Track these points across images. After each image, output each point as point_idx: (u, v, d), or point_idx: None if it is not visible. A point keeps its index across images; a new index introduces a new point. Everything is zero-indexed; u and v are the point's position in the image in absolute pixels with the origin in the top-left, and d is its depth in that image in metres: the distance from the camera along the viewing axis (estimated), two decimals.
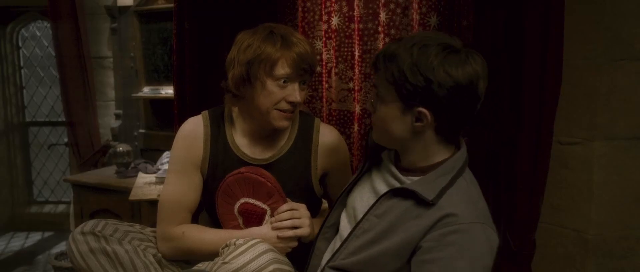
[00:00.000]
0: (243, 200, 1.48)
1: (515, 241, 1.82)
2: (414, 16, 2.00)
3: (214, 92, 2.32)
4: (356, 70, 2.15)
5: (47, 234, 4.29)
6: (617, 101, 1.76)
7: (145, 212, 2.42)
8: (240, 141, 1.55)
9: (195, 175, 1.54)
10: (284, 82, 1.41)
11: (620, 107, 1.77)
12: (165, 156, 2.93)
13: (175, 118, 2.36)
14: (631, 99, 1.77)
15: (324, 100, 2.22)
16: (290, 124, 1.50)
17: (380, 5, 2.07)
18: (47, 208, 4.54)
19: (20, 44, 4.45)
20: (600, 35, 1.73)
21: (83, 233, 1.45)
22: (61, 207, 4.48)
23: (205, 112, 1.57)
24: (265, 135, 1.54)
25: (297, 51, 1.39)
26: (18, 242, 4.15)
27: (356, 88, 2.16)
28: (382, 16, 2.06)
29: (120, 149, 3.13)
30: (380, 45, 2.08)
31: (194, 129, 1.54)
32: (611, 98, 1.76)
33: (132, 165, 3.09)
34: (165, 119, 3.34)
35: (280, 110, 1.43)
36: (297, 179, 1.55)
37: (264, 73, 1.39)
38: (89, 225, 1.46)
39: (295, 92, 1.42)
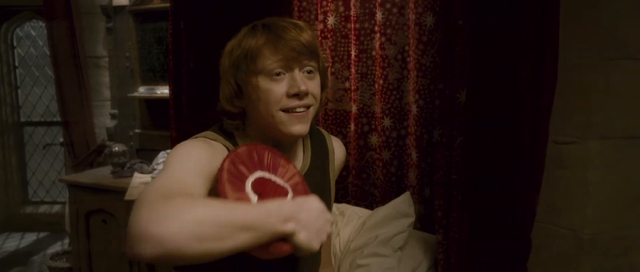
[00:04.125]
0: (258, 174, 1.11)
1: (511, 241, 1.83)
2: (410, 16, 2.00)
3: (210, 93, 2.31)
4: (352, 70, 2.15)
5: (42, 234, 4.29)
6: (612, 100, 1.77)
7: None
8: None
9: (207, 184, 1.09)
10: (278, 74, 1.14)
11: (615, 107, 1.77)
12: (161, 156, 2.92)
13: (171, 118, 2.35)
14: (626, 99, 1.78)
15: None
16: (307, 128, 1.19)
17: (377, 5, 2.07)
18: (43, 208, 4.53)
19: (15, 44, 4.44)
20: (596, 34, 1.74)
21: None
22: (56, 208, 4.47)
23: (212, 134, 1.22)
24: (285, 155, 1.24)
25: (283, 35, 1.13)
26: (13, 242, 4.14)
27: (352, 88, 2.16)
28: (378, 16, 2.06)
29: (116, 149, 3.13)
30: (377, 45, 2.08)
31: (212, 144, 1.18)
32: (607, 97, 1.76)
33: (128, 165, 3.09)
34: (161, 119, 3.34)
35: (287, 111, 1.15)
36: (323, 189, 1.36)
37: (251, 71, 1.15)
38: None
39: (296, 82, 1.13)
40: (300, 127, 1.16)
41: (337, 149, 1.42)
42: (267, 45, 1.13)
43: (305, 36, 1.15)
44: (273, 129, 1.17)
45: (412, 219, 1.90)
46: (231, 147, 1.18)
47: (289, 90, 1.14)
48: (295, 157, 1.29)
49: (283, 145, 1.23)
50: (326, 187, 1.36)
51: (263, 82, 1.14)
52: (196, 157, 1.08)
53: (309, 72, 1.17)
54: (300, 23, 1.19)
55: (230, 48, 1.20)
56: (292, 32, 1.14)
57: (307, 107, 1.17)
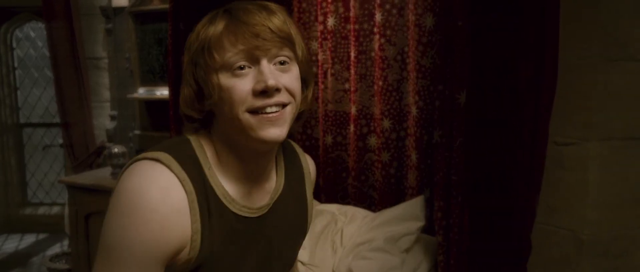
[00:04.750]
0: None
1: (511, 242, 1.83)
2: (410, 17, 2.00)
3: None
4: (352, 71, 2.15)
5: (41, 235, 4.28)
6: (612, 101, 1.77)
7: None
8: (232, 189, 1.00)
9: (160, 269, 0.91)
10: (242, 68, 0.91)
11: (615, 107, 1.77)
12: None
13: (170, 120, 2.35)
14: (626, 99, 1.78)
15: (320, 101, 2.22)
16: (284, 132, 0.95)
17: (376, 6, 2.06)
18: (42, 210, 4.53)
19: (14, 45, 4.44)
20: (596, 35, 1.74)
21: None
22: (56, 209, 4.47)
23: (168, 159, 0.91)
24: (256, 171, 1.02)
25: (245, 19, 0.91)
26: (12, 244, 4.14)
27: (352, 89, 2.16)
28: (378, 17, 2.06)
29: (116, 150, 3.12)
30: (376, 46, 2.08)
31: (168, 195, 0.89)
32: (606, 98, 1.76)
33: None
34: (160, 121, 3.33)
35: (255, 112, 0.91)
36: (298, 217, 1.15)
37: (210, 67, 0.93)
38: None
39: (263, 76, 0.90)
40: (274, 131, 0.92)
41: (312, 168, 1.21)
42: (226, 33, 0.92)
43: (275, 20, 0.92)
44: (242, 135, 0.94)
45: (421, 224, 1.90)
46: (187, 180, 0.91)
47: (255, 86, 0.91)
48: (268, 177, 1.06)
49: (255, 158, 1.00)
50: (302, 211, 1.15)
51: (224, 80, 0.92)
52: (141, 249, 0.86)
53: (283, 63, 0.94)
54: (272, 5, 0.96)
55: (190, 40, 0.98)
56: (256, 15, 0.92)
57: (282, 105, 0.93)
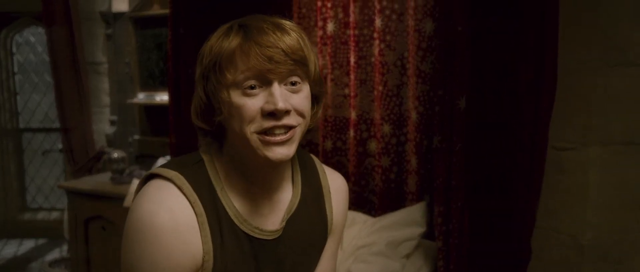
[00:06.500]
0: None
1: (511, 246, 1.82)
2: (410, 22, 2.01)
3: None
4: (352, 77, 2.15)
5: (40, 241, 4.27)
6: (612, 105, 1.77)
7: None
8: (244, 206, 1.02)
9: None
10: (252, 88, 0.92)
11: (615, 111, 1.77)
12: (160, 162, 2.92)
13: (170, 125, 2.35)
14: (626, 103, 1.78)
15: None
16: (290, 152, 0.97)
17: (376, 11, 2.07)
18: (41, 215, 4.52)
19: (14, 50, 4.44)
20: (596, 39, 1.74)
21: None
22: (55, 214, 4.46)
23: (180, 179, 0.95)
24: (267, 184, 1.04)
25: (258, 39, 0.92)
26: (11, 249, 4.13)
27: (352, 94, 2.16)
28: (378, 22, 2.06)
29: (115, 155, 3.13)
30: (376, 51, 2.08)
31: (177, 216, 0.93)
32: (606, 102, 1.76)
33: (127, 171, 3.08)
34: (160, 126, 3.34)
35: (264, 133, 0.93)
36: (313, 235, 1.13)
37: (221, 83, 0.94)
38: None
39: (273, 98, 0.91)
40: (281, 151, 0.94)
41: (337, 187, 1.18)
42: (239, 52, 0.92)
43: (288, 40, 0.93)
44: (250, 151, 0.96)
45: (422, 229, 1.90)
46: (198, 202, 0.94)
47: (264, 107, 0.92)
48: (280, 190, 1.06)
49: (265, 172, 1.01)
50: (319, 228, 1.13)
51: (234, 97, 0.93)
52: (165, 268, 0.91)
53: (294, 83, 0.95)
54: (286, 23, 0.97)
55: (202, 52, 0.99)
56: (270, 35, 0.92)
57: (289, 128, 0.94)
